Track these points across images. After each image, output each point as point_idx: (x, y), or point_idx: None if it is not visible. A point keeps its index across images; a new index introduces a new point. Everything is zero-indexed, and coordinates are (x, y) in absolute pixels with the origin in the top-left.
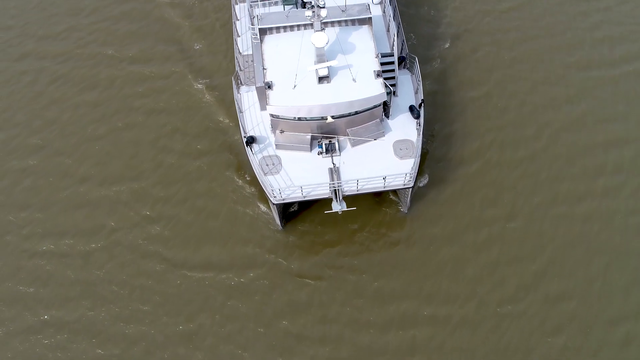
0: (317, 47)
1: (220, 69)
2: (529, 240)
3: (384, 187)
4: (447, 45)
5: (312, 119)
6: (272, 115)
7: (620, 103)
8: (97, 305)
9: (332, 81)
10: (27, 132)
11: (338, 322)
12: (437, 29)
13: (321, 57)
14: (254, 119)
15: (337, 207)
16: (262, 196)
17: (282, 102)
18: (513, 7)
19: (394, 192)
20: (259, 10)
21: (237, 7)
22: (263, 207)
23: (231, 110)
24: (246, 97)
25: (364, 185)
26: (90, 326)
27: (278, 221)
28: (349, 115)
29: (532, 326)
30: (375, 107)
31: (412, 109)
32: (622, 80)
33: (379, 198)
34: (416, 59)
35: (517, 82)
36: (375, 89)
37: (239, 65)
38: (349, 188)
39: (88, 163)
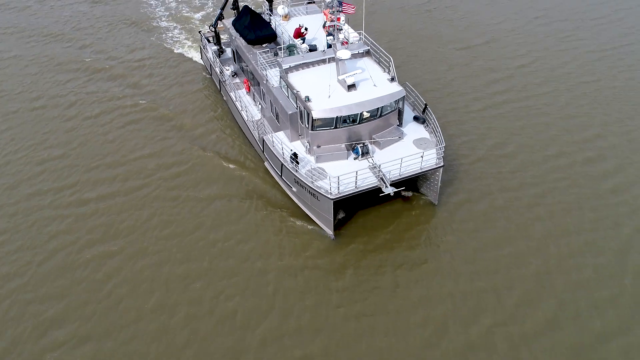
0: (342, 60)
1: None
2: None
3: (420, 168)
4: None
5: (347, 126)
6: (314, 124)
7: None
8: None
9: (358, 88)
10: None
11: None
12: None
13: (345, 70)
14: (286, 150)
15: (388, 190)
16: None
17: (324, 106)
18: None
19: (420, 190)
20: (271, 71)
21: (232, 94)
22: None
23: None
24: (272, 137)
25: (405, 168)
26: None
27: (330, 229)
28: (375, 118)
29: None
30: (392, 111)
31: (416, 118)
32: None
33: (409, 203)
34: (407, 83)
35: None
36: (395, 88)
37: (255, 127)
38: (393, 173)
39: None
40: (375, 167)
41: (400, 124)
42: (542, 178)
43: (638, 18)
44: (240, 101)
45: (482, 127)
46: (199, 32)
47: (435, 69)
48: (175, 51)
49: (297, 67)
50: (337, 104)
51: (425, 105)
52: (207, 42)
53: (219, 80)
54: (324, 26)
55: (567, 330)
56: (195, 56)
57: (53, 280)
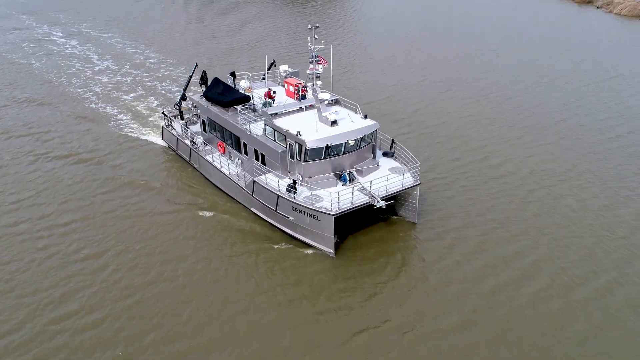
0: (323, 100)
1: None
2: None
3: (402, 186)
4: None
5: (333, 157)
6: (307, 154)
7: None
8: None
9: (339, 124)
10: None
11: None
12: None
13: (326, 110)
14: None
15: (380, 203)
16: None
17: (315, 137)
18: None
19: (399, 214)
20: (252, 125)
21: (208, 157)
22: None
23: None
24: (265, 177)
25: (389, 187)
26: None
27: (331, 248)
28: (355, 149)
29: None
30: (368, 144)
31: (385, 154)
32: None
33: (392, 225)
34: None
35: None
36: (369, 122)
37: (242, 175)
38: (381, 190)
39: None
40: (364, 188)
41: (375, 157)
42: (449, 172)
43: (501, 77)
44: (220, 161)
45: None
46: (162, 112)
47: None
48: (137, 136)
49: (279, 115)
50: (326, 135)
51: (393, 140)
52: (171, 120)
53: (190, 150)
54: (299, 91)
55: (489, 252)
56: (149, 137)
57: (54, 275)
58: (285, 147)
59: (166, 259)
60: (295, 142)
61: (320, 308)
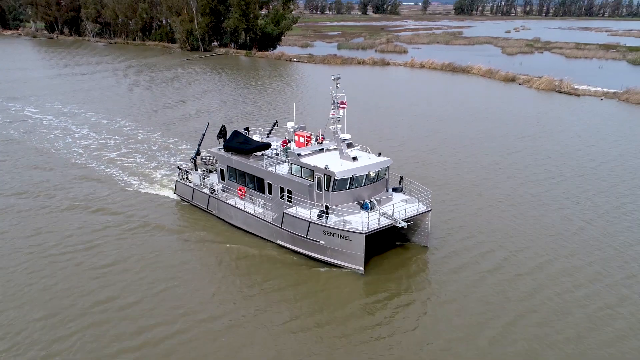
0: (345, 139)
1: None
2: None
3: (417, 211)
4: None
5: (355, 187)
6: (335, 185)
7: None
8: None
9: (359, 160)
10: None
11: None
12: None
13: (346, 148)
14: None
15: (402, 224)
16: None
17: (342, 169)
18: None
19: (411, 240)
20: (276, 167)
21: (230, 201)
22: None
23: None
24: (296, 208)
25: (408, 209)
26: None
27: (361, 265)
28: (373, 182)
29: None
30: (382, 179)
31: (395, 189)
32: None
33: (407, 250)
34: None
35: None
36: (384, 158)
37: (270, 215)
38: (401, 214)
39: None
40: (385, 213)
41: (387, 190)
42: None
43: (449, 135)
44: (243, 203)
45: None
46: (178, 167)
47: None
48: (142, 190)
49: (304, 155)
50: (350, 167)
51: (401, 177)
52: (187, 172)
53: (208, 198)
54: (316, 139)
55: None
56: (153, 190)
57: (89, 279)
58: (312, 182)
59: (189, 267)
60: (324, 174)
61: (331, 298)
